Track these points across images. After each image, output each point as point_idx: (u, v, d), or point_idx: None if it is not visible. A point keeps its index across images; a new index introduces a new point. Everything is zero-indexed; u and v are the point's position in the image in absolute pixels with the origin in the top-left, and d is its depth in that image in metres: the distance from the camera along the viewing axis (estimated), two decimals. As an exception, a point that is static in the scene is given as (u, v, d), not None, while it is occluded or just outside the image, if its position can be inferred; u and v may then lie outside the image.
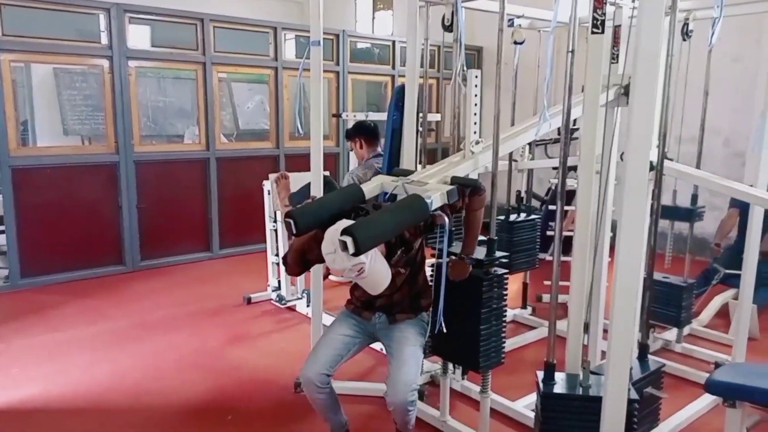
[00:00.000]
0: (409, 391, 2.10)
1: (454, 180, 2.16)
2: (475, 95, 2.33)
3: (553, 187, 5.05)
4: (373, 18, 9.29)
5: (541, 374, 1.92)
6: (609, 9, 1.92)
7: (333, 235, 1.84)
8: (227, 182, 5.59)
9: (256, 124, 7.26)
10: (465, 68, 2.33)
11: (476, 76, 2.33)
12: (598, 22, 1.84)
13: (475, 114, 2.36)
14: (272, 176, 4.08)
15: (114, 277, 4.91)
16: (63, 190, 4.73)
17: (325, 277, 3.93)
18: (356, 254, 1.75)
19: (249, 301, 4.31)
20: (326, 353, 2.25)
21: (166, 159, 5.28)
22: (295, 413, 2.74)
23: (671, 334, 3.56)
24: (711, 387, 1.85)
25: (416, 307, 2.35)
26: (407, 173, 2.31)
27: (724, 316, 4.01)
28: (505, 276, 2.34)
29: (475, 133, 2.30)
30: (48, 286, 4.64)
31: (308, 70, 2.73)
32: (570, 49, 1.76)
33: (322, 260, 2.19)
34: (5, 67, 4.35)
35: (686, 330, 3.66)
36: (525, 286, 4.11)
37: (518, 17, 3.22)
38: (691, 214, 3.47)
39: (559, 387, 1.86)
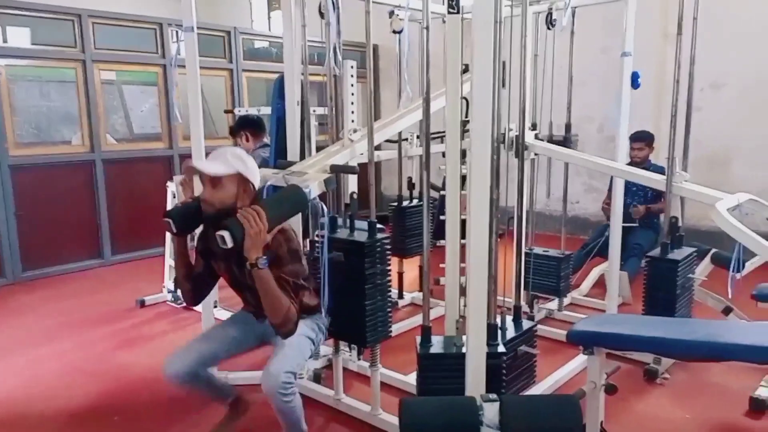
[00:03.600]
0: (282, 376, 1.93)
1: (333, 168, 2.23)
2: (351, 85, 2.42)
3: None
4: (269, 17, 9.23)
5: (419, 339, 2.02)
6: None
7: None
8: (117, 185, 5.35)
9: (152, 128, 6.98)
10: (339, 56, 2.40)
11: (351, 66, 2.41)
12: (454, 3, 1.95)
13: (352, 103, 2.45)
14: (177, 179, 3.92)
15: (-8, 291, 4.57)
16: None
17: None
18: (234, 249, 1.76)
19: (143, 304, 4.16)
20: (199, 350, 2.14)
21: (47, 163, 4.97)
22: (186, 407, 2.67)
23: (554, 304, 3.81)
24: (570, 336, 2.01)
25: (304, 311, 2.20)
26: (290, 165, 2.35)
27: (602, 286, 4.34)
28: (387, 249, 2.42)
29: (353, 122, 2.38)
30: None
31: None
32: (425, 26, 1.86)
33: (212, 277, 2.22)
34: None
35: (568, 300, 3.94)
36: (421, 269, 4.25)
37: (396, 7, 3.33)
38: (566, 141, 3.65)
39: (435, 348, 1.97)
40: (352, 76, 2.38)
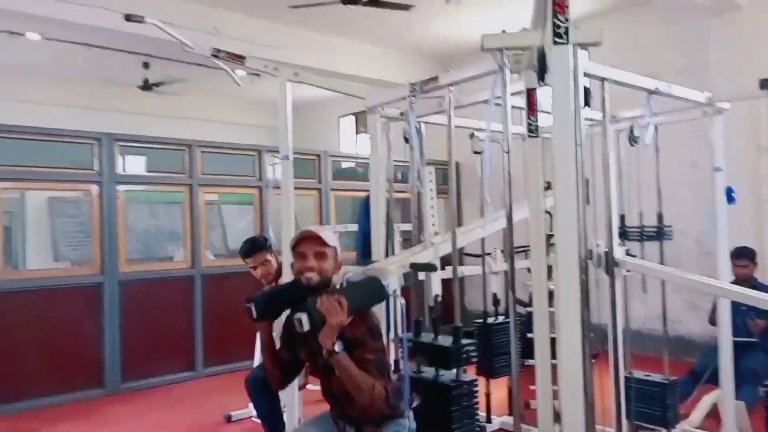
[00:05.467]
0: None
1: (412, 265, 2.27)
2: (431, 189, 2.52)
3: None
4: (356, 140, 9.87)
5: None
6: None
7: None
8: (213, 299, 5.62)
9: (246, 243, 7.43)
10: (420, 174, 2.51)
11: (430, 173, 2.53)
12: (533, 127, 2.02)
13: (432, 207, 2.53)
14: None
15: (93, 402, 4.78)
16: (46, 312, 4.74)
17: (302, 387, 3.86)
18: (312, 331, 1.79)
19: (229, 419, 4.19)
20: None
21: (152, 278, 5.35)
22: None
23: (662, 436, 3.45)
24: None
25: (387, 415, 2.09)
26: (372, 263, 2.41)
27: (716, 417, 3.90)
28: (475, 384, 2.38)
29: (433, 225, 2.44)
30: (22, 412, 4.49)
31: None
32: (505, 150, 1.92)
33: (297, 363, 2.22)
34: (-3, 194, 4.56)
35: (677, 431, 3.55)
36: (510, 391, 4.03)
37: (477, 130, 3.48)
38: (660, 234, 3.41)
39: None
40: (430, 181, 2.50)
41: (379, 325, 2.07)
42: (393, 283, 2.03)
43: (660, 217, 3.42)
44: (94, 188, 5.03)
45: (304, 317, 1.80)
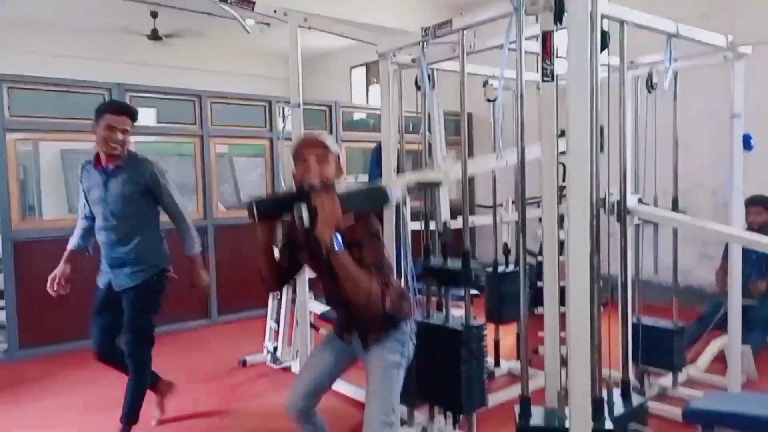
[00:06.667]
0: (379, 424, 1.97)
1: (418, 183, 2.31)
2: (438, 114, 2.53)
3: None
4: (368, 91, 9.75)
5: (518, 409, 1.94)
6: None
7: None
8: (226, 250, 5.69)
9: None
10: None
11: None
12: (548, 71, 1.98)
13: (440, 132, 2.54)
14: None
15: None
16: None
17: (315, 328, 3.95)
18: (311, 227, 1.83)
19: (244, 364, 4.31)
20: (304, 383, 2.19)
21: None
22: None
23: (668, 380, 3.52)
24: (688, 415, 1.85)
25: (388, 318, 2.09)
26: None
27: (723, 362, 3.96)
28: (483, 329, 2.43)
29: (441, 150, 2.47)
30: (45, 357, 4.66)
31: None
32: (518, 94, 1.89)
33: (295, 268, 2.27)
34: (10, 146, 4.58)
35: (685, 376, 3.63)
36: (519, 337, 4.10)
37: (491, 77, 3.42)
38: None
39: (536, 420, 1.88)
40: (438, 105, 2.51)
41: (381, 233, 2.08)
42: (397, 193, 2.07)
43: (675, 172, 3.38)
44: (106, 139, 5.04)
45: (303, 207, 1.84)
